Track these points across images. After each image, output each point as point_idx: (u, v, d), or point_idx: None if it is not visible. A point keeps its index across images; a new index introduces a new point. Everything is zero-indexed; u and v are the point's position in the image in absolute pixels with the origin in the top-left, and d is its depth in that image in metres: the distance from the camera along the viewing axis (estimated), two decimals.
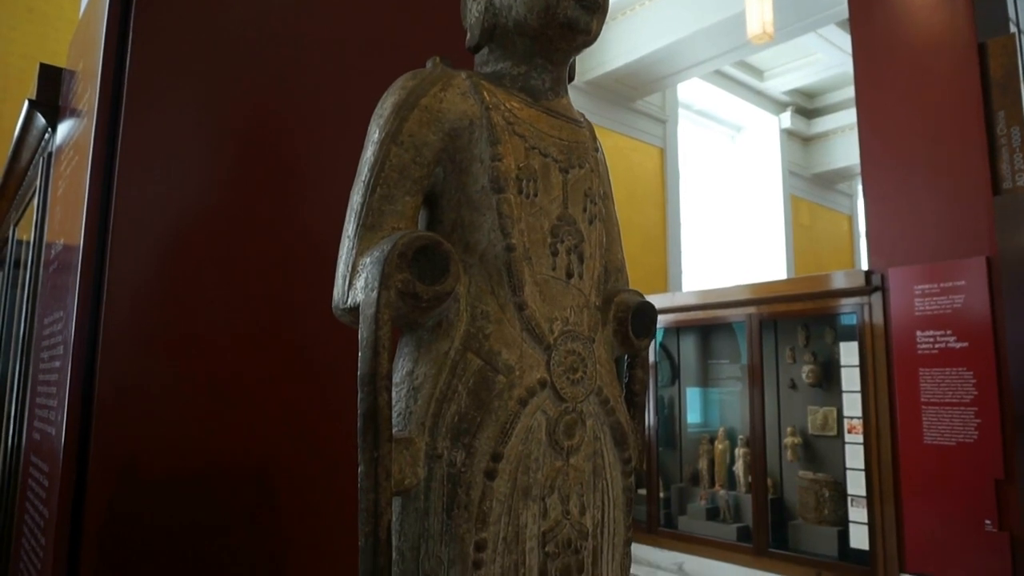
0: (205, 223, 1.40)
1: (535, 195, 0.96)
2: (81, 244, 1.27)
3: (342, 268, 0.92)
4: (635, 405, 1.10)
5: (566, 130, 1.05)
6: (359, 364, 0.83)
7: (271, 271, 1.46)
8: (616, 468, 1.00)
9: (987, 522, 4.56)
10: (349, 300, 0.90)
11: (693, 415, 7.02)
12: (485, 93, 0.98)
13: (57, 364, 1.39)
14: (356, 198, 0.94)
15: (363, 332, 0.83)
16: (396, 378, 0.93)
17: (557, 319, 0.95)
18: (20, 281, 2.67)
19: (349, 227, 0.93)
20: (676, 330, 6.84)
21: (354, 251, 0.91)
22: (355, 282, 0.89)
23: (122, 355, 1.27)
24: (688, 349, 6.98)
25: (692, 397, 7.04)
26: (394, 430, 0.88)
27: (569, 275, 0.98)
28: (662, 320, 6.72)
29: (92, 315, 1.27)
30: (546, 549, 0.90)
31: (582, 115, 1.12)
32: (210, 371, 1.35)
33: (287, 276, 1.47)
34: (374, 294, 0.83)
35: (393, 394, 0.91)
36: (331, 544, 1.45)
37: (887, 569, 4.94)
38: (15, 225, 2.65)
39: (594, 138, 1.13)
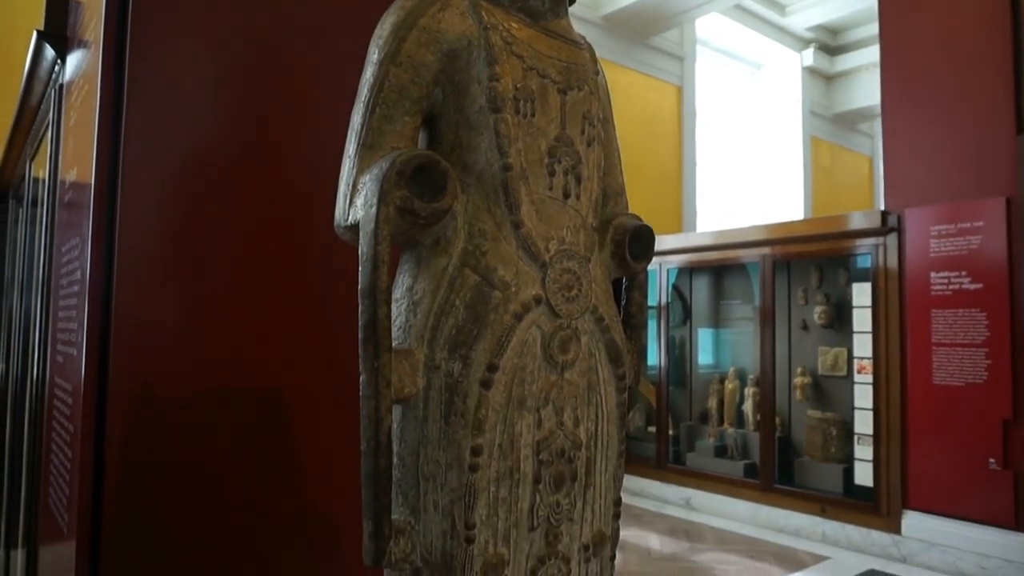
0: (214, 150, 1.42)
1: (532, 116, 0.97)
2: (93, 172, 1.30)
3: (343, 187, 0.95)
4: (632, 327, 1.13)
5: (565, 51, 1.05)
6: (359, 278, 0.86)
7: (280, 196, 1.49)
8: (611, 384, 1.04)
9: (991, 461, 4.62)
10: (350, 218, 0.92)
11: (704, 356, 7.08)
12: (484, 13, 0.99)
13: (76, 289, 1.44)
14: (356, 118, 0.96)
15: (363, 247, 0.86)
16: (396, 294, 0.96)
17: (553, 238, 0.97)
18: (39, 218, 2.73)
19: (350, 147, 0.95)
20: (689, 271, 6.84)
21: (354, 170, 0.93)
22: (355, 200, 0.91)
23: (136, 279, 1.31)
24: (701, 290, 6.99)
25: (704, 338, 7.08)
26: (394, 342, 0.92)
27: (566, 195, 1.00)
28: (675, 261, 6.72)
29: (107, 241, 1.31)
30: (540, 457, 0.94)
31: (583, 37, 1.12)
32: (221, 293, 1.40)
33: (295, 200, 1.50)
34: (373, 210, 0.85)
35: (393, 309, 0.95)
36: (338, 457, 1.52)
37: (890, 505, 5.04)
38: (31, 160, 2.69)
39: (595, 60, 1.13)
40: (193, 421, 1.35)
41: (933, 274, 4.91)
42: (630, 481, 6.74)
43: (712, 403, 6.52)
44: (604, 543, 1.04)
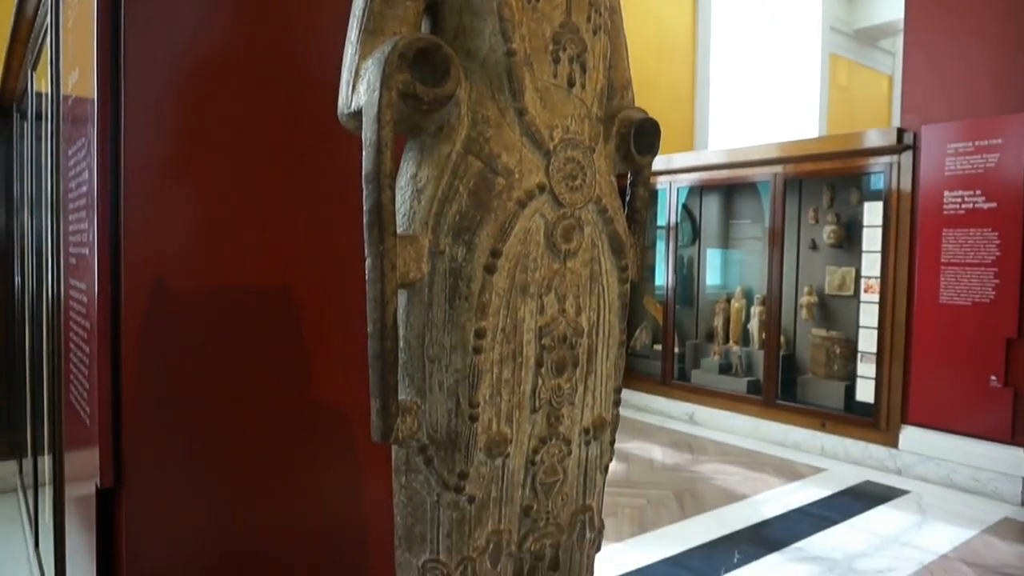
0: (216, 44, 1.40)
1: (537, 0, 0.95)
2: (95, 68, 1.29)
3: (345, 74, 0.94)
4: (635, 222, 1.14)
5: None
6: (363, 163, 0.87)
7: (284, 90, 1.48)
8: (613, 275, 1.05)
9: (992, 378, 4.69)
10: (353, 104, 0.92)
11: (712, 276, 7.09)
12: None
13: (84, 189, 1.45)
14: (358, 3, 0.94)
15: (366, 132, 0.87)
16: (401, 181, 0.97)
17: (557, 126, 0.97)
18: (44, 131, 2.72)
19: (352, 33, 0.94)
20: (700, 190, 6.78)
21: (356, 55, 0.92)
22: (358, 86, 0.91)
23: (143, 175, 1.32)
24: (711, 209, 6.95)
25: (712, 258, 7.08)
26: (399, 229, 0.93)
27: (571, 84, 0.99)
28: (685, 180, 6.65)
29: (112, 138, 1.31)
30: (543, 342, 0.97)
31: None
32: (227, 189, 1.41)
33: (300, 94, 1.49)
34: (376, 94, 0.85)
35: (398, 196, 0.96)
36: (347, 346, 1.56)
37: (889, 420, 5.15)
38: (33, 71, 2.66)
39: None
40: (204, 313, 1.38)
41: (947, 193, 4.85)
42: (635, 397, 6.90)
43: (718, 322, 6.59)
44: (604, 428, 1.08)
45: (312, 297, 1.51)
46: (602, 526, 1.13)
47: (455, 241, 0.91)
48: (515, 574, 1.03)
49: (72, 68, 1.59)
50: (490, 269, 0.90)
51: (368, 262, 0.88)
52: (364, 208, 0.87)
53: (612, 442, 1.11)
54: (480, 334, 0.91)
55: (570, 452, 1.04)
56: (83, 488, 1.51)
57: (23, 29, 2.49)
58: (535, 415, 0.99)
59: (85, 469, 1.49)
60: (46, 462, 2.72)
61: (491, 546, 0.97)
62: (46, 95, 1.93)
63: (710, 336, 6.78)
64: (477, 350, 0.91)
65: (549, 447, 1.01)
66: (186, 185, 1.37)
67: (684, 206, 6.93)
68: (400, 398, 0.93)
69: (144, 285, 1.31)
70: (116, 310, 1.31)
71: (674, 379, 6.69)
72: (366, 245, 0.88)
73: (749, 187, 6.64)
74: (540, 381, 0.98)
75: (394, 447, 0.99)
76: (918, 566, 3.61)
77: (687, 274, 6.99)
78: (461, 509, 0.94)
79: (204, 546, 1.40)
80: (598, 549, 1.15)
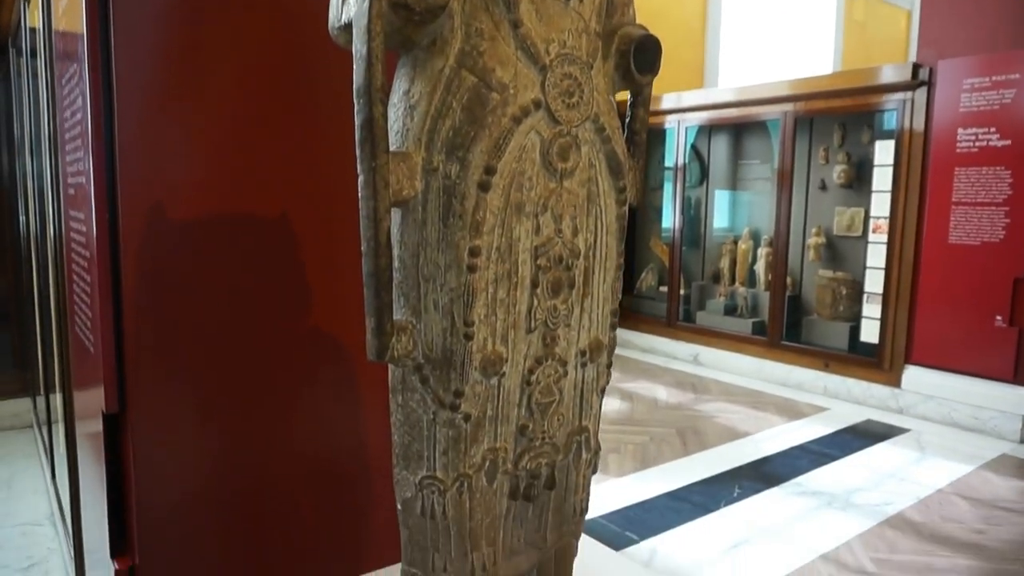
0: None
1: None
2: None
3: None
4: (635, 144, 1.12)
5: None
6: (354, 77, 0.85)
7: (275, 21, 1.44)
8: (611, 196, 1.04)
9: (998, 318, 4.68)
10: (343, 17, 0.90)
11: (719, 217, 7.04)
12: None
13: (78, 118, 1.44)
14: None
15: (357, 45, 0.84)
16: (394, 98, 0.95)
17: (554, 40, 0.94)
18: (39, 68, 2.68)
19: None
20: (708, 129, 6.67)
21: None
22: None
23: (137, 100, 1.30)
24: (719, 150, 6.84)
25: (719, 199, 7.01)
26: (392, 147, 0.92)
27: None
28: (694, 118, 6.53)
29: (103, 68, 1.29)
30: (538, 262, 0.97)
31: None
32: (222, 114, 1.39)
33: (292, 16, 1.46)
34: (365, 4, 0.82)
35: (390, 113, 0.94)
36: (343, 272, 1.57)
37: (893, 360, 5.17)
38: (25, 4, 2.60)
39: None
40: (203, 238, 1.38)
41: (960, 131, 4.76)
42: (640, 338, 6.95)
43: (724, 263, 6.57)
44: (601, 350, 1.08)
45: (311, 221, 1.50)
46: (598, 448, 1.15)
47: (449, 158, 0.90)
48: (511, 491, 1.05)
49: None
50: (484, 187, 0.89)
51: (361, 179, 0.87)
52: (356, 124, 0.86)
53: (609, 365, 1.12)
54: (474, 252, 0.90)
55: (566, 373, 1.04)
56: (92, 416, 1.54)
57: None
58: (531, 336, 0.99)
59: (93, 397, 1.52)
60: (57, 397, 2.77)
61: (487, 463, 0.99)
62: (39, 30, 1.89)
63: (716, 278, 6.77)
64: (472, 268, 0.90)
65: (545, 368, 1.01)
66: (180, 111, 1.35)
67: (692, 146, 6.82)
68: (395, 318, 0.94)
69: (141, 212, 1.31)
70: (114, 237, 1.31)
71: (679, 320, 6.71)
72: (358, 162, 0.87)
73: (759, 126, 6.52)
74: (536, 302, 0.98)
75: (391, 367, 1.00)
76: (915, 500, 3.67)
77: (694, 215, 6.94)
78: (457, 427, 0.95)
79: (208, 467, 1.44)
80: (594, 470, 1.17)
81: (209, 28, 1.38)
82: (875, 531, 3.31)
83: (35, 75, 2.70)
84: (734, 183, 6.88)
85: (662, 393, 5.56)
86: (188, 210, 1.35)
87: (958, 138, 4.79)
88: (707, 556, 3.06)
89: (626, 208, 1.08)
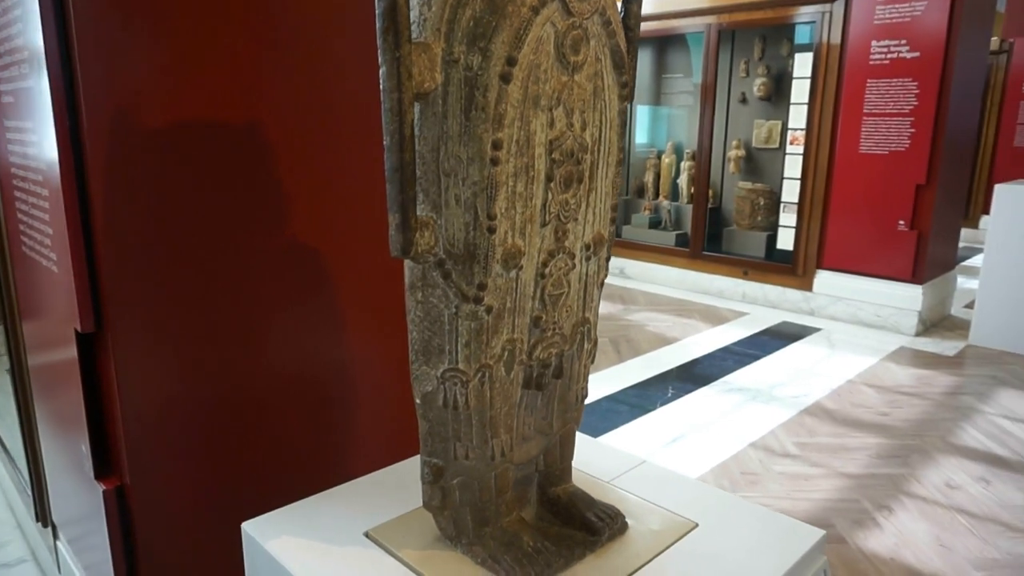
0: None
1: None
2: None
3: None
4: (630, 40, 1.13)
5: None
6: None
7: None
8: (614, 91, 1.05)
9: (900, 222, 5.04)
10: None
11: (641, 133, 7.13)
12: None
13: (16, 13, 1.30)
14: None
15: None
16: None
17: None
18: None
19: None
20: None
21: None
22: None
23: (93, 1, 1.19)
24: (642, 65, 6.87)
25: (642, 115, 7.08)
26: None
27: None
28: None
29: None
30: (552, 156, 0.98)
31: None
32: (187, 11, 1.29)
33: None
34: None
35: None
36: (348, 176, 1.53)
37: (806, 266, 5.51)
38: None
39: None
40: (177, 148, 1.30)
41: (874, 43, 4.96)
42: None
43: (648, 178, 6.72)
44: (602, 244, 1.12)
45: (288, 125, 1.44)
46: (597, 338, 1.20)
47: (470, 49, 0.88)
48: (525, 381, 1.10)
49: None
50: (506, 78, 0.89)
51: (383, 71, 0.84)
52: (377, 12, 0.82)
53: (608, 259, 1.16)
54: (497, 145, 0.90)
55: (574, 266, 1.08)
56: (57, 340, 1.46)
57: None
58: (544, 229, 1.01)
59: (56, 320, 1.44)
60: None
61: (505, 354, 1.02)
62: None
63: (640, 192, 6.92)
64: (495, 161, 0.91)
65: (556, 261, 1.04)
66: (146, 13, 1.24)
67: None
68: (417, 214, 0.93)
69: (105, 120, 1.21)
70: (78, 148, 1.22)
71: None
72: (380, 52, 0.84)
73: (680, 40, 6.56)
74: (550, 195, 0.99)
75: (407, 266, 1.00)
76: (828, 390, 4.02)
77: None
78: (479, 319, 0.97)
79: (192, 381, 1.41)
80: (593, 360, 1.22)
81: None
82: (796, 419, 3.62)
83: None
84: (656, 98, 6.96)
85: None
86: (156, 117, 1.26)
87: (871, 50, 5.00)
88: (649, 451, 3.27)
89: (627, 104, 1.10)
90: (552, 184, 1.00)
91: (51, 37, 1.18)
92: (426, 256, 0.96)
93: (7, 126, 1.52)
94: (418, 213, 0.95)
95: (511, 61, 0.89)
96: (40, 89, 1.23)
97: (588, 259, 1.11)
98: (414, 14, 0.91)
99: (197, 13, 1.29)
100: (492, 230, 0.94)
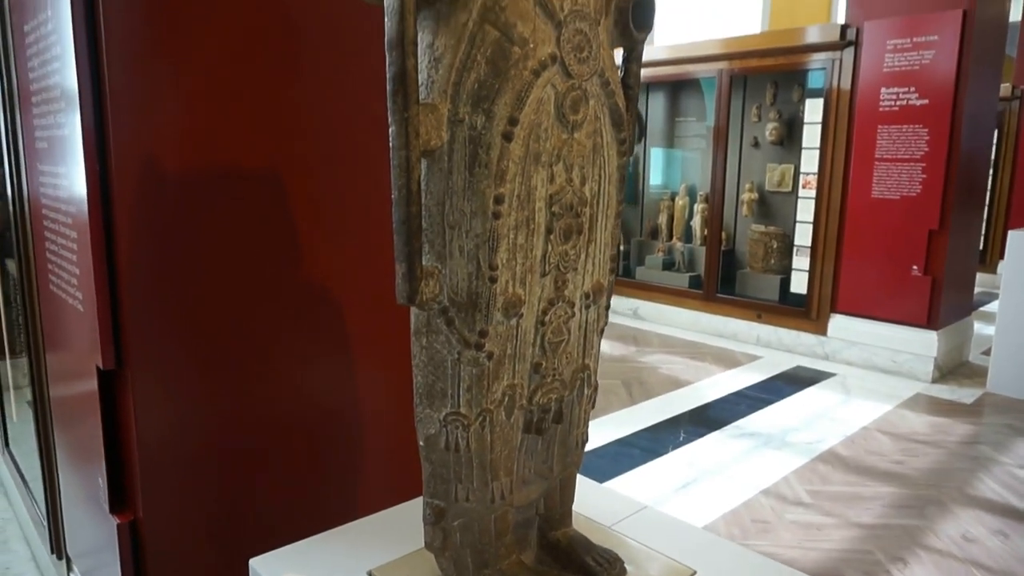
0: None
1: None
2: None
3: None
4: (630, 98, 1.18)
5: None
6: (386, 31, 0.88)
7: None
8: (613, 147, 1.11)
9: (914, 268, 5.03)
10: None
11: (656, 175, 7.21)
12: None
13: (55, 67, 1.39)
14: None
15: None
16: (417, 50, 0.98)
17: None
18: None
19: None
20: (645, 87, 6.79)
21: None
22: None
23: (125, 50, 1.27)
24: (656, 108, 6.99)
25: (656, 157, 7.17)
26: None
27: None
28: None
29: (87, 13, 1.25)
30: (552, 209, 1.03)
31: None
32: (216, 66, 1.37)
33: None
34: None
35: None
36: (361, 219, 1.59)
37: (820, 309, 5.50)
38: None
39: None
40: (199, 192, 1.37)
41: (883, 90, 5.02)
42: None
43: (662, 219, 6.77)
44: (602, 292, 1.16)
45: (308, 171, 1.51)
46: (597, 384, 1.23)
47: (474, 109, 0.94)
48: (525, 425, 1.13)
49: None
50: (508, 137, 0.94)
51: (392, 129, 0.90)
52: (388, 75, 0.88)
53: (607, 307, 1.20)
54: (499, 200, 0.95)
55: (574, 314, 1.12)
56: (79, 376, 1.52)
57: None
58: (544, 279, 1.05)
59: (79, 356, 1.50)
60: (7, 364, 2.67)
61: (506, 399, 1.06)
62: None
63: (654, 233, 6.97)
64: (496, 215, 0.96)
65: (556, 309, 1.08)
66: (170, 56, 1.32)
67: None
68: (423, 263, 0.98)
69: (133, 163, 1.29)
70: (106, 192, 1.29)
71: (619, 276, 6.90)
72: (390, 113, 0.90)
73: (694, 84, 6.68)
74: (550, 247, 1.04)
75: (413, 312, 1.05)
76: (842, 437, 3.98)
77: (632, 172, 7.09)
78: (481, 365, 1.01)
79: (209, 418, 1.45)
80: (593, 405, 1.25)
81: None
82: (809, 466, 3.59)
83: None
84: (670, 141, 7.06)
85: (606, 346, 5.75)
86: (181, 161, 1.34)
87: (881, 97, 5.06)
88: (659, 496, 3.25)
89: (626, 159, 1.15)
90: (552, 236, 1.04)
91: (84, 77, 1.26)
92: (430, 304, 1.00)
93: (41, 170, 1.60)
94: (423, 263, 1.00)
95: (513, 121, 0.94)
96: (72, 134, 1.31)
97: (588, 307, 1.15)
98: (423, 76, 0.97)
99: (221, 62, 1.36)
100: (493, 280, 0.98)
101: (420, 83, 0.96)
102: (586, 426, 1.25)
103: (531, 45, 0.95)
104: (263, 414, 1.52)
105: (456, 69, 0.94)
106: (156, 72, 1.30)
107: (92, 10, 1.24)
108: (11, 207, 1.94)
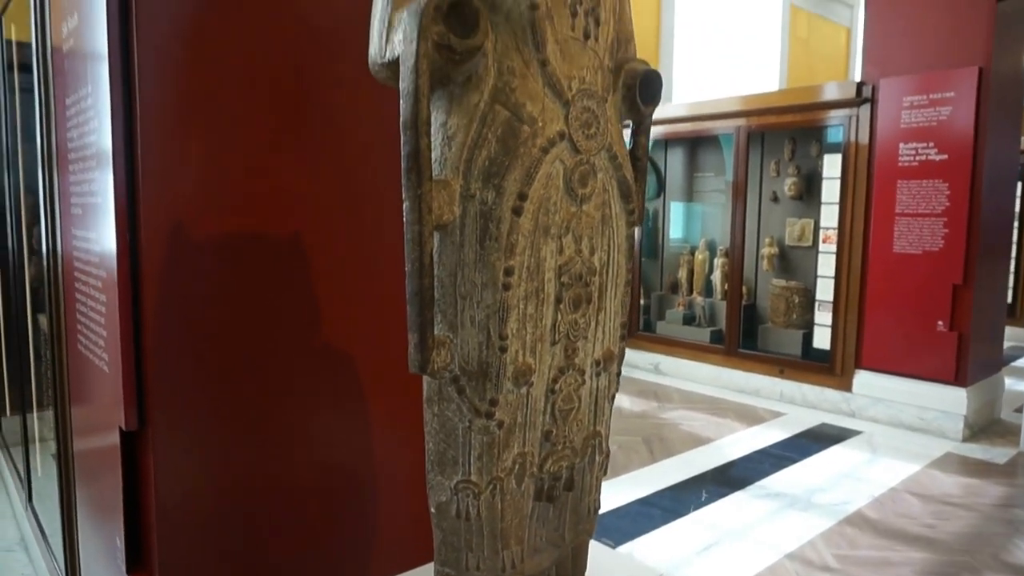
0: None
1: None
2: (104, 18, 1.29)
3: (377, 25, 0.98)
4: (638, 169, 1.22)
5: None
6: (401, 112, 0.92)
7: (304, 41, 1.50)
8: (621, 218, 1.14)
9: (940, 323, 4.96)
10: (387, 55, 0.97)
11: (676, 229, 7.24)
12: None
13: (91, 139, 1.46)
14: None
15: (404, 82, 0.92)
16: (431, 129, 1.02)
17: (575, 77, 1.03)
18: (13, 82, 2.65)
19: None
20: (664, 143, 6.88)
21: (389, 7, 0.97)
22: (392, 37, 0.96)
23: (157, 123, 1.34)
24: (675, 163, 7.07)
25: (676, 211, 7.22)
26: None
27: (586, 36, 1.05)
28: (650, 132, 6.74)
29: (125, 89, 1.32)
30: (562, 280, 1.05)
31: None
32: (240, 137, 1.44)
33: (320, 44, 1.52)
34: (413, 45, 0.90)
35: None
36: (374, 293, 1.63)
37: (844, 365, 5.42)
38: (0, 14, 2.57)
39: None
40: (222, 258, 1.42)
41: (902, 145, 5.04)
42: None
43: (682, 274, 6.77)
44: (612, 360, 1.17)
45: (331, 241, 1.56)
46: (609, 451, 1.24)
47: (485, 185, 0.98)
48: (536, 493, 1.13)
49: (68, 14, 1.58)
50: (517, 211, 0.97)
51: (406, 205, 0.94)
52: (402, 154, 0.93)
53: (618, 373, 1.21)
54: (509, 272, 0.98)
55: (584, 382, 1.13)
56: (102, 434, 1.55)
57: None
58: (554, 347, 1.07)
59: (103, 416, 1.53)
60: (34, 417, 2.73)
61: (516, 467, 1.06)
62: (33, 46, 1.89)
63: (674, 288, 6.96)
64: (506, 287, 0.98)
65: (566, 377, 1.10)
66: (200, 132, 1.39)
67: (649, 159, 7.01)
68: (435, 333, 1.01)
69: (162, 231, 1.34)
70: (135, 257, 1.34)
71: (640, 330, 6.87)
72: (404, 189, 0.94)
73: (712, 140, 6.76)
74: (559, 316, 1.06)
75: (425, 380, 1.07)
76: (869, 498, 3.87)
77: (652, 227, 7.13)
78: (491, 433, 1.02)
79: (228, 481, 1.47)
80: (605, 472, 1.25)
81: (229, 45, 1.42)
82: (835, 529, 3.49)
83: (11, 88, 2.67)
84: (689, 195, 7.11)
85: (626, 402, 5.69)
86: (207, 228, 1.39)
87: (899, 152, 5.08)
88: (680, 559, 3.18)
89: (634, 230, 1.18)
90: (562, 305, 1.07)
91: (119, 145, 1.33)
92: (442, 373, 1.02)
93: (74, 233, 1.67)
94: (435, 332, 1.02)
95: (522, 196, 0.98)
96: (105, 201, 1.37)
97: (598, 375, 1.16)
98: (436, 154, 1.01)
99: (249, 136, 1.43)
100: (504, 349, 1.00)
101: (433, 160, 1.00)
102: (598, 493, 1.24)
103: (540, 124, 0.99)
104: (280, 477, 1.54)
105: (468, 147, 0.99)
106: (186, 142, 1.36)
107: (129, 86, 1.31)
108: (46, 263, 2.01)
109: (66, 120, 1.65)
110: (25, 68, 2.22)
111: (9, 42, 2.57)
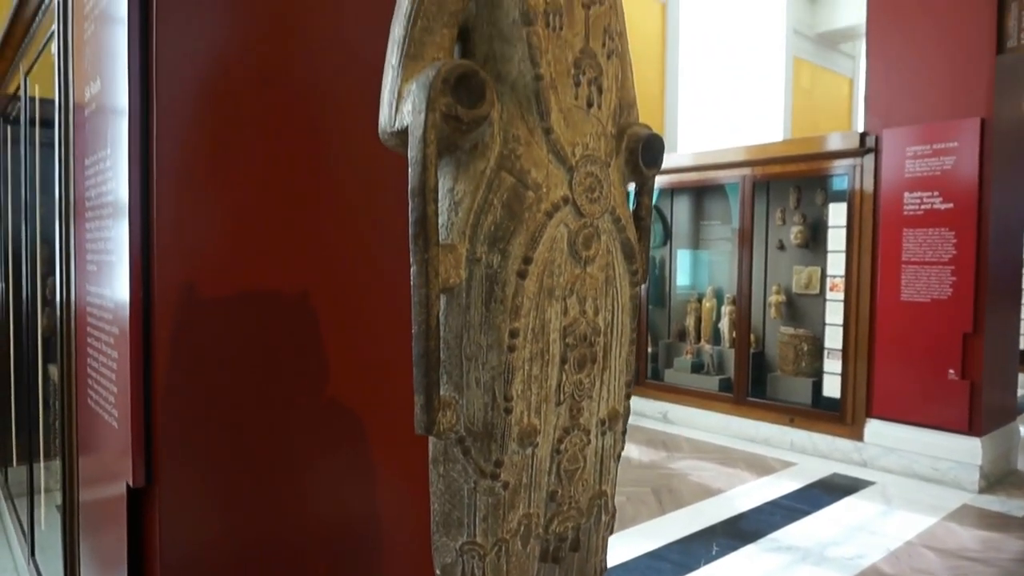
0: (243, 59, 1.46)
1: (560, 29, 1.05)
2: (126, 82, 1.35)
3: (388, 96, 1.02)
4: (641, 229, 1.24)
5: None
6: (409, 180, 0.95)
7: (317, 108, 1.55)
8: (625, 279, 1.15)
9: (951, 371, 4.92)
10: (396, 124, 1.00)
11: (683, 276, 7.26)
12: None
13: (108, 199, 1.50)
14: (398, 30, 1.02)
15: (412, 151, 0.95)
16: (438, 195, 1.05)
17: (579, 143, 1.06)
18: (35, 138, 2.73)
19: (392, 57, 1.02)
20: (670, 191, 6.95)
21: (399, 79, 1.01)
22: (402, 107, 0.99)
23: (173, 185, 1.38)
24: (681, 211, 7.13)
25: (682, 259, 7.25)
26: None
27: (590, 104, 1.08)
28: (656, 181, 6.81)
29: (143, 151, 1.37)
30: (566, 341, 1.07)
31: None
32: (261, 201, 1.47)
33: (332, 113, 1.57)
34: (422, 116, 0.93)
35: None
36: (380, 350, 1.64)
37: (855, 414, 5.36)
38: (26, 75, 2.67)
39: None
40: (233, 317, 1.44)
41: (906, 194, 5.08)
42: None
43: (690, 321, 6.76)
44: (617, 419, 1.18)
45: (339, 301, 1.58)
46: (615, 510, 1.23)
47: (491, 249, 1.00)
48: (542, 554, 1.12)
49: (90, 79, 1.64)
50: (522, 275, 1.00)
51: (413, 269, 0.96)
52: (410, 220, 0.95)
53: (624, 432, 1.21)
54: (514, 334, 1.00)
55: (589, 442, 1.13)
56: (108, 490, 1.56)
57: (17, 34, 2.51)
58: (559, 408, 1.08)
59: (110, 471, 1.54)
60: (40, 467, 2.73)
61: (522, 528, 1.06)
62: (57, 104, 1.96)
63: (682, 336, 6.95)
64: (511, 348, 1.00)
65: (572, 437, 1.10)
66: (214, 193, 1.43)
67: (655, 207, 7.08)
68: (440, 394, 1.02)
69: (174, 291, 1.37)
70: (147, 316, 1.36)
71: (648, 379, 6.84)
72: (411, 254, 0.96)
73: (718, 189, 6.82)
74: (564, 376, 1.07)
75: (431, 440, 1.08)
76: (885, 552, 3.79)
77: (659, 275, 7.15)
78: (496, 495, 1.03)
79: (234, 540, 1.46)
80: (611, 531, 1.24)
81: (244, 107, 1.48)
82: None
83: (32, 144, 2.75)
84: (696, 243, 7.15)
85: (634, 452, 5.63)
86: (220, 288, 1.42)
87: (904, 201, 5.11)
88: None
89: (639, 290, 1.19)
90: (566, 366, 1.08)
91: (136, 204, 1.36)
92: (448, 434, 1.03)
93: (89, 290, 1.70)
94: (441, 393, 1.03)
95: (527, 260, 1.00)
96: (119, 260, 1.40)
97: (604, 434, 1.17)
98: (443, 219, 1.04)
99: (260, 190, 1.47)
100: (508, 411, 1.01)
101: (440, 224, 1.03)
102: (604, 553, 1.23)
103: (544, 189, 1.02)
104: (286, 537, 1.53)
105: (474, 212, 1.01)
106: (199, 204, 1.40)
107: (147, 145, 1.36)
108: (59, 314, 2.04)
109: (84, 179, 1.70)
110: (46, 123, 2.29)
111: (33, 99, 2.65)
